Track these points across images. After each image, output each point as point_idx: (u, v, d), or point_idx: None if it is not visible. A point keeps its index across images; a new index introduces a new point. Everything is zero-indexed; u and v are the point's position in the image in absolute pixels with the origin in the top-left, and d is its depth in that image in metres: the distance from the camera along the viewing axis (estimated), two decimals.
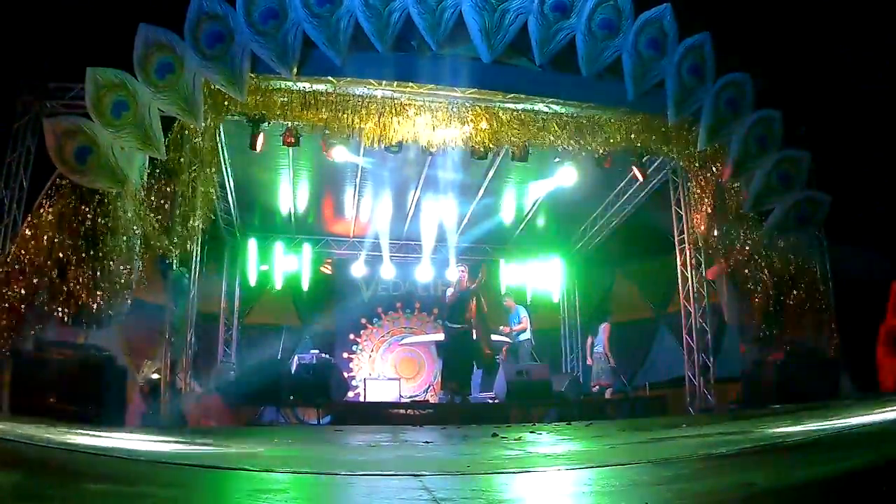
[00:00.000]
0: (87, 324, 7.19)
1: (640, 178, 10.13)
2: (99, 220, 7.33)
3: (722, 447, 3.85)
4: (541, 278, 14.73)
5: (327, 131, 8.45)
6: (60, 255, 7.17)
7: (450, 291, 10.84)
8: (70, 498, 2.47)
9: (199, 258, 8.49)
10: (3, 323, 6.91)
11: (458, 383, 10.36)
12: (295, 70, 7.75)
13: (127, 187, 7.44)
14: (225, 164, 10.30)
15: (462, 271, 10.87)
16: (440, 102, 8.54)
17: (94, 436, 4.90)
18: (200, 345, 9.81)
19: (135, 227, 7.59)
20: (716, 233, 9.27)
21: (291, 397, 9.64)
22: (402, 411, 9.92)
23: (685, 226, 9.99)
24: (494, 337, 11.73)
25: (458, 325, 10.51)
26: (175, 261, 8.04)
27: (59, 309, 7.07)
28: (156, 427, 7.33)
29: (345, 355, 13.98)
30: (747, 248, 9.01)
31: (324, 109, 8.24)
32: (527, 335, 12.14)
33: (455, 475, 3.35)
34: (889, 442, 3.63)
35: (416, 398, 13.22)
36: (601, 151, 9.21)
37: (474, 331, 10.65)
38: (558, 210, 13.02)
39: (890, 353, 7.98)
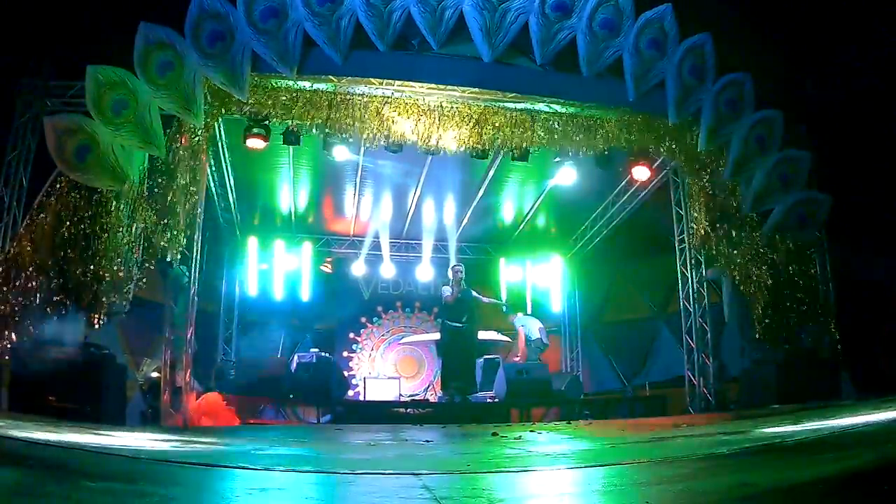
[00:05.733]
0: (86, 322, 7.18)
1: (649, 172, 10.08)
2: (98, 218, 7.33)
3: (722, 447, 3.86)
4: (541, 278, 14.74)
5: (328, 130, 8.45)
6: (60, 253, 7.16)
7: (447, 290, 10.79)
8: (70, 496, 2.46)
9: (199, 256, 8.46)
10: (2, 321, 6.90)
11: (462, 383, 10.32)
12: (296, 69, 7.75)
13: (126, 186, 7.44)
14: (225, 162, 10.31)
15: (458, 271, 10.83)
16: (441, 102, 8.53)
17: (93, 434, 4.90)
18: (200, 343, 9.78)
19: (134, 225, 7.58)
20: (716, 233, 9.27)
21: (291, 396, 9.64)
22: (401, 410, 9.90)
23: (685, 226, 9.97)
24: (484, 335, 11.68)
25: (460, 324, 10.48)
26: (175, 259, 8.02)
27: (59, 307, 7.07)
28: (155, 425, 7.32)
29: (345, 354, 14.01)
30: (747, 248, 9.00)
31: (324, 108, 8.24)
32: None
33: (455, 474, 3.35)
34: (889, 442, 3.62)
35: (416, 397, 13.23)
36: (601, 151, 9.20)
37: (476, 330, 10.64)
38: (558, 210, 13.03)
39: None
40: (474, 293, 10.87)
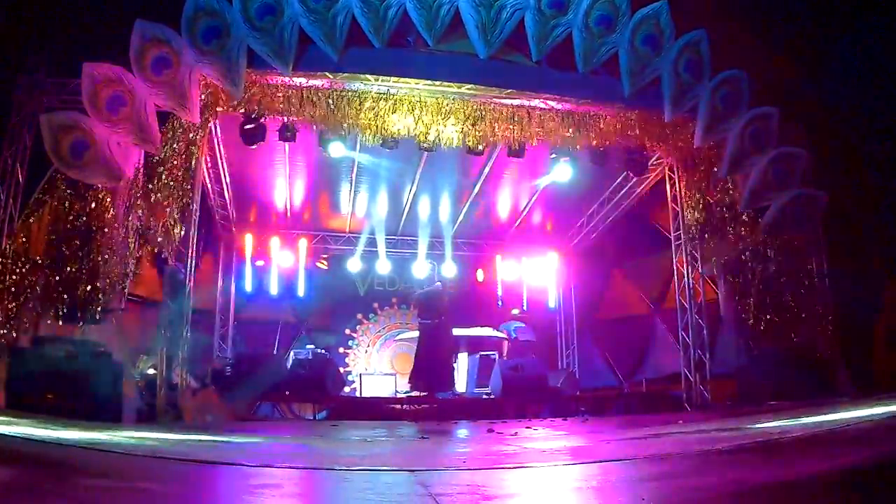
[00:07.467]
0: (82, 319, 7.17)
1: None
2: (94, 214, 7.32)
3: (717, 444, 3.87)
4: (537, 274, 14.76)
5: (324, 126, 8.44)
6: (56, 250, 7.16)
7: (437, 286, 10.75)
8: (67, 493, 2.47)
9: (194, 253, 8.47)
10: None
11: (416, 380, 10.12)
12: (291, 65, 7.73)
13: (122, 182, 7.43)
14: (221, 159, 10.28)
15: (432, 269, 10.69)
16: (436, 98, 8.53)
17: (90, 431, 4.90)
18: (196, 340, 9.77)
19: (130, 222, 7.58)
20: (712, 229, 9.28)
21: (287, 392, 9.63)
22: (397, 407, 9.88)
23: (681, 222, 9.98)
24: (458, 332, 11.46)
25: (426, 322, 10.34)
26: (170, 256, 8.02)
27: (55, 304, 7.06)
28: (152, 422, 7.32)
29: (341, 350, 13.99)
30: (744, 245, 9.02)
31: (320, 105, 8.23)
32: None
33: (451, 470, 3.36)
34: (885, 439, 3.64)
35: (412, 394, 13.21)
36: (597, 147, 9.21)
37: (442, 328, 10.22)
38: (554, 206, 13.03)
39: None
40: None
